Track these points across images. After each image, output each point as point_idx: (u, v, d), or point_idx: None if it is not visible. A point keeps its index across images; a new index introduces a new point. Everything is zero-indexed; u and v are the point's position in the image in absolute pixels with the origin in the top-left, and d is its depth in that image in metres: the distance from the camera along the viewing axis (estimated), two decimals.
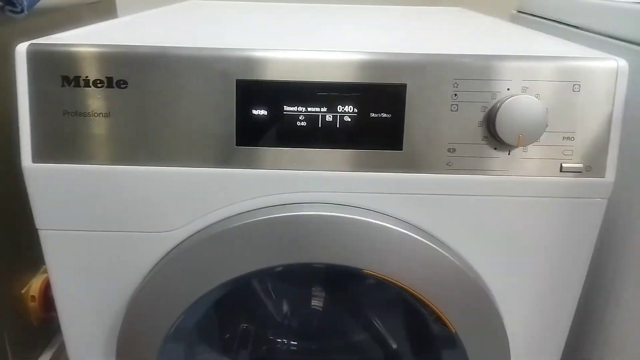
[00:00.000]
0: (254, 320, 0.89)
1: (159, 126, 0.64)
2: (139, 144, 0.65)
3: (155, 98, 0.63)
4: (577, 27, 0.96)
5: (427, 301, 0.69)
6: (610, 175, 0.67)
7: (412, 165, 0.66)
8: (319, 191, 0.67)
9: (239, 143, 0.65)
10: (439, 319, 0.71)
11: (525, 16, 1.21)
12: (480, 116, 0.64)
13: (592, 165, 0.66)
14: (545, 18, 1.12)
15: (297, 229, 0.66)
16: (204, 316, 0.82)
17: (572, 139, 0.65)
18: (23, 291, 0.97)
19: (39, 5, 0.90)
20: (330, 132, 0.65)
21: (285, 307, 0.88)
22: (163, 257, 0.70)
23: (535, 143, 0.65)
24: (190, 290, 0.69)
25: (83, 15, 1.22)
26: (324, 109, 0.64)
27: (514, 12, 1.27)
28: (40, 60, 0.62)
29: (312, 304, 0.86)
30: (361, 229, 0.66)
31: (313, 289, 0.86)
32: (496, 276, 0.72)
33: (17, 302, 0.95)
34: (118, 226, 0.68)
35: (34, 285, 0.98)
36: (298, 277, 0.87)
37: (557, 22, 1.05)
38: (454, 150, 0.65)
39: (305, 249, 0.67)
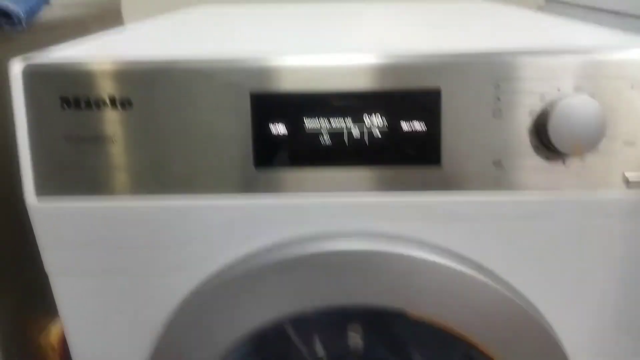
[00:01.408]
0: None
1: (169, 150, 0.58)
2: (148, 173, 0.59)
3: (162, 118, 0.57)
4: (617, 13, 0.87)
5: (484, 348, 0.61)
6: None
7: (453, 184, 0.58)
8: (350, 218, 0.60)
9: (258, 164, 0.58)
10: None
11: (555, 5, 1.12)
12: (527, 122, 0.57)
13: None
14: (579, 5, 1.03)
15: (332, 268, 0.59)
16: None
17: (634, 144, 0.57)
18: (41, 339, 0.89)
19: (39, 18, 0.84)
20: (358, 148, 0.58)
21: (320, 350, 0.81)
22: (183, 303, 0.64)
23: (592, 151, 0.57)
24: (214, 340, 0.63)
25: (89, 26, 1.16)
26: (348, 121, 0.57)
27: (542, 1, 1.18)
28: (36, 79, 0.56)
29: (350, 345, 0.78)
30: (404, 264, 0.59)
31: (350, 327, 0.79)
32: (559, 312, 0.63)
33: (35, 351, 0.88)
34: (133, 269, 0.62)
35: (53, 332, 0.90)
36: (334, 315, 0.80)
37: (594, 8, 0.96)
38: (500, 163, 0.58)
39: (342, 289, 0.60)
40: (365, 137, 0.58)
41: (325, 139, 0.58)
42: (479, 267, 0.60)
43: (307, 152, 0.56)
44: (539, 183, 0.58)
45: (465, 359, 0.71)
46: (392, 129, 0.57)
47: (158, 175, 0.58)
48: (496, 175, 0.58)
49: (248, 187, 0.59)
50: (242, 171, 0.58)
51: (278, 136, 0.58)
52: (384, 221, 0.60)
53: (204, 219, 0.60)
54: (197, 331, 0.62)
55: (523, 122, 0.57)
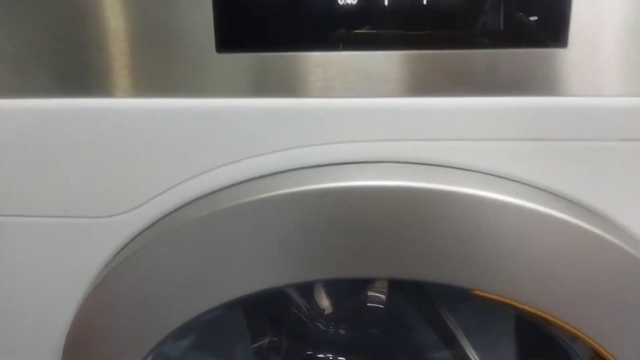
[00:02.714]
0: (285, 330, 0.60)
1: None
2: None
3: None
4: None
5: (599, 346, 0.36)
6: None
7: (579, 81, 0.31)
8: (386, 139, 0.34)
9: (221, 47, 0.32)
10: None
11: None
12: None
13: None
14: None
15: (356, 214, 0.34)
16: (204, 330, 0.53)
17: None
18: None
19: None
20: (409, 12, 0.31)
21: (328, 308, 0.58)
22: (114, 258, 0.40)
23: None
24: (167, 315, 0.40)
25: None
26: None
27: None
28: None
29: (369, 300, 0.55)
30: (469, 210, 0.33)
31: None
32: None
33: None
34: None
35: None
36: None
37: None
38: None
39: (371, 251, 0.35)
40: None
41: None
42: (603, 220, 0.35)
43: (308, 23, 0.29)
44: None
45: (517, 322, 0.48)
46: None
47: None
48: None
49: (210, 81, 0.33)
50: (200, 58, 0.32)
51: None
52: (450, 146, 0.34)
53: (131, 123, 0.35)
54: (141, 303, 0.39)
55: None
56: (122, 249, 0.41)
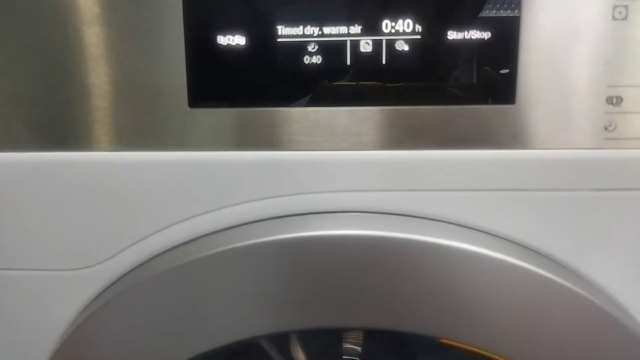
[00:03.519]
0: None
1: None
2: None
3: None
4: None
5: None
6: None
7: (534, 135, 0.34)
8: (354, 190, 0.35)
9: (193, 102, 0.34)
10: None
11: None
12: None
13: None
14: None
15: (326, 262, 0.35)
16: None
17: None
18: None
19: None
20: (370, 71, 0.33)
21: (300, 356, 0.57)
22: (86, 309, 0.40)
23: None
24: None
25: None
26: (354, 28, 0.33)
27: None
28: None
29: (345, 353, 0.54)
30: (442, 259, 0.35)
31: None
32: None
33: None
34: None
35: None
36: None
37: None
38: (620, 101, 0.32)
39: (342, 301, 0.36)
40: (383, 55, 0.33)
41: (314, 59, 0.33)
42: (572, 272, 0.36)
43: (281, 80, 0.32)
44: None
45: None
46: (432, 39, 0.32)
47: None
48: (611, 121, 0.33)
49: (181, 138, 0.34)
50: (173, 114, 0.34)
51: (229, 51, 0.33)
52: (414, 197, 0.35)
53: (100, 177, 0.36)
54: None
55: None
56: (93, 300, 0.41)
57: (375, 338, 0.52)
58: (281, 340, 0.51)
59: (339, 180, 0.35)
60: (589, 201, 0.35)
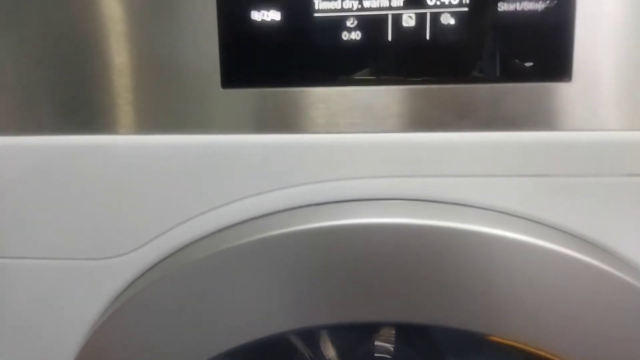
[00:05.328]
0: None
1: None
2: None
3: None
4: None
5: None
6: None
7: (593, 116, 0.31)
8: (396, 175, 0.33)
9: (227, 83, 0.33)
10: None
11: None
12: None
13: None
14: None
15: (363, 253, 0.33)
16: None
17: None
18: None
19: None
20: (413, 47, 0.31)
21: (334, 358, 0.55)
22: (114, 302, 0.39)
23: None
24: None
25: None
26: (397, 3, 0.30)
27: None
28: None
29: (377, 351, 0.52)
30: (488, 252, 0.32)
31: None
32: None
33: None
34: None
35: None
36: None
37: None
38: None
39: (376, 293, 0.34)
40: (427, 30, 0.31)
41: (353, 35, 0.31)
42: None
43: (317, 56, 0.30)
44: None
45: None
46: (481, 15, 0.30)
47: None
48: None
49: (214, 119, 0.33)
50: (205, 94, 0.32)
51: (264, 27, 0.31)
52: (459, 183, 0.33)
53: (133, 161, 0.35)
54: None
55: None
56: (124, 291, 0.40)
57: (402, 338, 0.49)
58: (310, 336, 0.50)
59: (380, 165, 0.33)
60: None
